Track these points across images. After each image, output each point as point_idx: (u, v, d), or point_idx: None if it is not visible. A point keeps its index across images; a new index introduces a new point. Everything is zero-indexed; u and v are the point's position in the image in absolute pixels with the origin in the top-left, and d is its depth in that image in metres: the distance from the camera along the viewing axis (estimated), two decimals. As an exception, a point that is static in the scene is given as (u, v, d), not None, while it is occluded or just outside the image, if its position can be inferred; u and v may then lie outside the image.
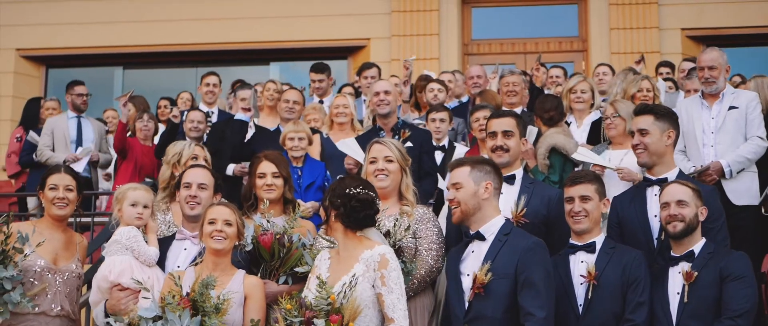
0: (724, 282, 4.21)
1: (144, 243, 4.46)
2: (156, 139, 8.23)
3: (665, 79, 8.29)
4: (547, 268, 4.04)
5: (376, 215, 3.98)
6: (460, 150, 6.71)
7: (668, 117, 4.87)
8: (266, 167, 4.86)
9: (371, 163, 4.63)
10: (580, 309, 4.29)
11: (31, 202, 8.30)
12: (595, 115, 6.84)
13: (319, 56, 10.66)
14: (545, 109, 6.46)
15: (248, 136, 7.05)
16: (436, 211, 4.98)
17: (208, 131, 7.65)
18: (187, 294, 3.96)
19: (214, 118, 8.20)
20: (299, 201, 5.20)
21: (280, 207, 4.87)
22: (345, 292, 3.74)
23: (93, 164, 8.45)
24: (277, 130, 7.08)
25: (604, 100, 7.13)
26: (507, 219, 4.28)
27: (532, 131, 5.96)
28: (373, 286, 3.79)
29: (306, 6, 11.82)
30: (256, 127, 7.24)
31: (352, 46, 11.90)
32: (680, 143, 5.67)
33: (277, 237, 4.46)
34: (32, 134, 8.70)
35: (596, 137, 6.52)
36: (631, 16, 11.36)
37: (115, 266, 4.38)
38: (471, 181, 4.17)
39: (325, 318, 3.68)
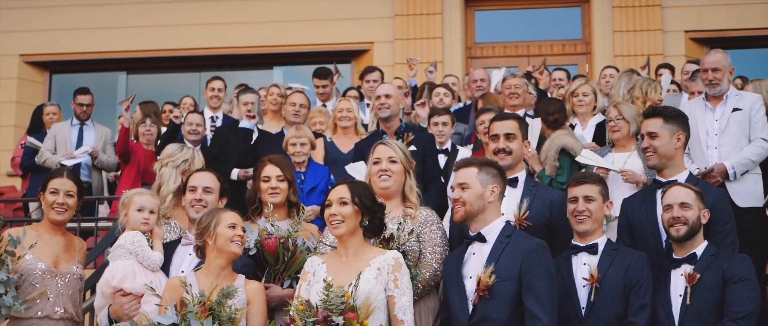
0: (727, 284, 4.19)
1: (148, 248, 4.45)
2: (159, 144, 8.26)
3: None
4: (550, 270, 4.04)
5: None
6: (464, 153, 6.70)
7: (678, 119, 4.84)
8: (271, 170, 4.87)
9: (375, 163, 4.61)
10: (583, 311, 4.29)
11: (32, 206, 8.33)
12: (599, 118, 6.84)
13: (323, 60, 10.67)
14: (549, 112, 6.49)
15: (252, 141, 7.05)
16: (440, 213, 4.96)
17: (211, 135, 7.66)
18: (203, 302, 3.93)
19: (218, 123, 8.21)
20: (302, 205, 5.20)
21: (285, 211, 4.88)
22: (352, 292, 3.79)
23: (93, 161, 8.49)
24: (281, 134, 7.09)
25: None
26: (508, 222, 4.27)
27: (534, 124, 5.95)
28: (384, 289, 3.86)
29: (310, 10, 11.82)
30: (260, 131, 7.25)
31: (355, 50, 11.89)
32: (683, 145, 5.67)
33: (282, 240, 4.46)
34: (30, 138, 8.74)
35: (601, 140, 6.51)
36: (634, 19, 11.34)
37: (118, 271, 4.38)
38: (478, 183, 4.16)
39: (342, 315, 3.73)
